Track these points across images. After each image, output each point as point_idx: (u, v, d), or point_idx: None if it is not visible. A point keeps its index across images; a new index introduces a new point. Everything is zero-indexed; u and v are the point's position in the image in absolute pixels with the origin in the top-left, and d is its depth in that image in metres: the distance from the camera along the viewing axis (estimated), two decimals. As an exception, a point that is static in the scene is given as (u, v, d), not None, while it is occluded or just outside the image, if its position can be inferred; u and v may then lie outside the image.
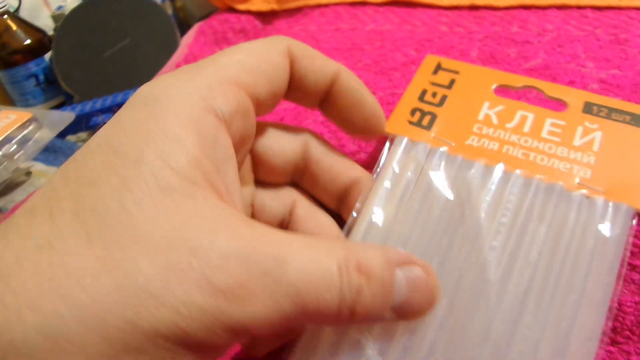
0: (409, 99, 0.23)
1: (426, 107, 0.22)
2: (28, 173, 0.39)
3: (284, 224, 0.21)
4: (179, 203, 0.13)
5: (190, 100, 0.15)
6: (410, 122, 0.22)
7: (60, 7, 0.55)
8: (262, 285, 0.13)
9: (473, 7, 0.39)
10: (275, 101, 0.19)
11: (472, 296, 0.17)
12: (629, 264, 0.20)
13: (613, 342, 0.19)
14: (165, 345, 0.12)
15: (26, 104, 0.51)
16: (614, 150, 0.19)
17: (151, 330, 0.12)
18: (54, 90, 0.52)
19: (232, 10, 0.48)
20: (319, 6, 0.44)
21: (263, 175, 0.21)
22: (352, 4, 0.43)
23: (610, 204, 0.18)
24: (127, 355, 0.12)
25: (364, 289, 0.15)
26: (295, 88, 0.19)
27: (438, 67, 0.24)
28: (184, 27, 0.56)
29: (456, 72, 0.23)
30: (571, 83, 0.29)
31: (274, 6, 0.46)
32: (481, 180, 0.19)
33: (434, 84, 0.23)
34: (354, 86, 0.20)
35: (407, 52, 0.36)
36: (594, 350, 0.16)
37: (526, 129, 0.20)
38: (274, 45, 0.18)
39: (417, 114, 0.22)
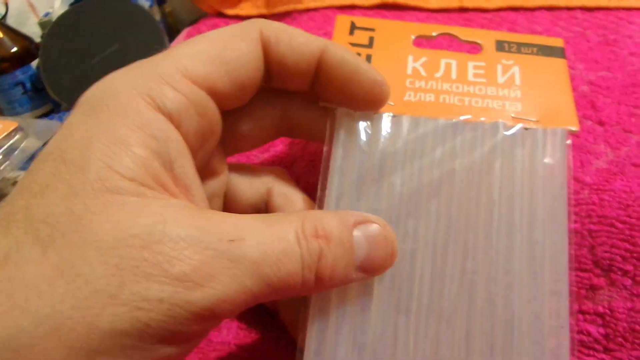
0: None
1: None
2: (15, 183, 0.38)
3: (261, 212, 0.21)
4: (128, 203, 0.13)
5: (136, 99, 0.15)
6: None
7: (47, 14, 0.54)
8: (219, 266, 0.13)
9: (462, 9, 0.39)
10: (246, 91, 0.18)
11: (451, 243, 0.18)
12: (620, 269, 0.20)
13: (606, 350, 0.19)
14: (130, 343, 0.12)
15: (13, 113, 0.51)
16: (532, 81, 0.21)
17: (111, 330, 0.12)
18: (41, 99, 0.52)
19: (221, 15, 0.48)
20: (308, 10, 0.43)
21: (241, 148, 0.21)
22: (341, 8, 0.43)
23: (548, 130, 0.19)
24: (91, 359, 0.12)
25: (325, 251, 0.15)
26: (277, 73, 0.18)
27: (353, 27, 0.23)
28: (173, 33, 0.56)
29: (372, 30, 0.23)
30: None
31: (263, 11, 0.46)
32: (432, 137, 0.19)
33: (354, 44, 0.23)
34: (346, 58, 0.18)
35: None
36: (565, 265, 0.18)
37: (453, 75, 0.21)
38: (243, 30, 0.17)
39: None
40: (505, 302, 0.17)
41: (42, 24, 0.53)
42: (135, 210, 0.13)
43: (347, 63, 0.18)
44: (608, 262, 0.20)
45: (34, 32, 0.54)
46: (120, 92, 0.15)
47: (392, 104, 0.20)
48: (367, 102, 0.19)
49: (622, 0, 0.35)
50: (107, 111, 0.14)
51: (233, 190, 0.21)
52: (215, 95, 0.17)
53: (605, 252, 0.20)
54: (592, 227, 0.20)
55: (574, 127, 0.20)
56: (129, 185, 0.14)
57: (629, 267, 0.19)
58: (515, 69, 0.21)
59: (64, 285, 0.12)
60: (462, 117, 0.20)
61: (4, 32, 0.50)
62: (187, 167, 0.16)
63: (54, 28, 0.49)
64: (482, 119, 0.20)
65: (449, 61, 0.22)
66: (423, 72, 0.21)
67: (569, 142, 0.19)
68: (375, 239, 0.16)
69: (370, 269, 0.16)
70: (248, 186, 0.21)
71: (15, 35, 0.51)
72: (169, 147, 0.15)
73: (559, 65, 0.22)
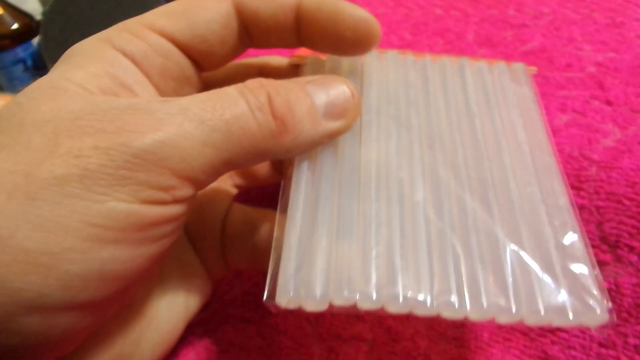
0: None
1: None
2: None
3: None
4: (69, 93, 0.14)
5: (98, 44, 0.16)
6: None
7: (48, -9, 0.53)
8: (155, 119, 0.14)
9: None
10: (217, 49, 0.18)
11: (438, 152, 0.18)
12: (627, 245, 0.20)
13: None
14: (71, 191, 0.13)
15: (14, 90, 0.50)
16: None
17: (50, 178, 0.13)
18: (42, 76, 0.51)
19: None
20: None
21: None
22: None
23: (511, 66, 0.21)
24: (34, 206, 0.13)
25: (272, 94, 0.15)
26: (256, 30, 0.18)
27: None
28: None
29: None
30: (568, 66, 0.28)
31: None
32: (415, 74, 0.20)
33: None
34: (324, 1, 0.18)
35: (403, 35, 0.36)
36: (552, 156, 0.18)
37: None
38: None
39: None
40: (503, 197, 0.17)
41: (43, 1, 0.52)
42: (72, 98, 0.14)
43: (324, 5, 0.18)
44: (615, 238, 0.20)
45: (35, 8, 0.54)
46: (88, 42, 0.17)
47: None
48: (355, 44, 0.18)
49: (630, -16, 0.35)
50: (72, 57, 0.16)
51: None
52: (177, 44, 0.17)
53: (613, 228, 0.20)
54: (600, 203, 0.20)
55: (533, 69, 0.21)
56: (73, 86, 0.15)
57: (635, 244, 0.20)
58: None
59: (5, 152, 0.13)
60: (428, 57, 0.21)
61: (4, 9, 0.50)
62: (147, 93, 0.17)
63: (54, 4, 0.48)
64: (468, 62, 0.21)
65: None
66: None
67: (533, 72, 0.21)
68: (330, 83, 0.17)
69: (337, 113, 0.17)
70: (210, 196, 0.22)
71: (16, 12, 0.50)
72: (124, 72, 0.16)
73: None
